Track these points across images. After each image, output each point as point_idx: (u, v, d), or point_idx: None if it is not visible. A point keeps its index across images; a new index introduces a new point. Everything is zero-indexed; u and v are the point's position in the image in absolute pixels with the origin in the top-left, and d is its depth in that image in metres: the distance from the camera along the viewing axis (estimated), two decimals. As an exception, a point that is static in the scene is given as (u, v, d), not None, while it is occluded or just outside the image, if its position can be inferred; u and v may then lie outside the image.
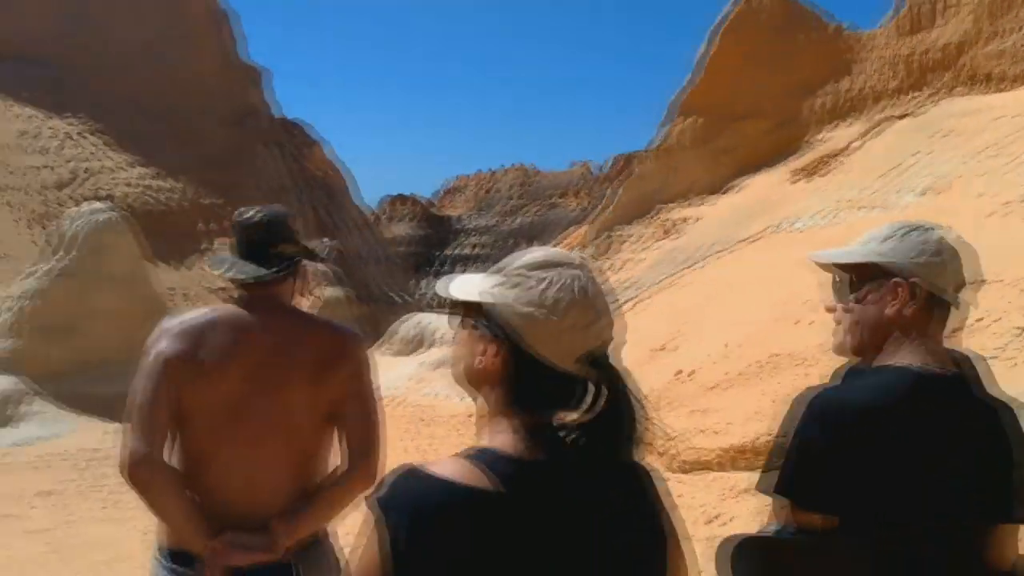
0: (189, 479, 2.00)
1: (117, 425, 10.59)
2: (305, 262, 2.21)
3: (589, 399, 1.03)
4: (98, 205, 11.39)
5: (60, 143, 26.20)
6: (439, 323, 18.01)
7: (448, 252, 71.15)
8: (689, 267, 12.90)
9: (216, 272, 2.21)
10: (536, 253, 1.11)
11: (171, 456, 2.00)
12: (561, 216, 68.29)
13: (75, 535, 7.73)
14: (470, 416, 13.65)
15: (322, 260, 2.41)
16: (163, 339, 2.02)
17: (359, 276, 32.05)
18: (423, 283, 69.67)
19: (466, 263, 70.35)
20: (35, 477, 9.09)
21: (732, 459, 7.83)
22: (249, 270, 2.10)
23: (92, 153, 26.10)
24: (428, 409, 14.51)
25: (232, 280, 2.13)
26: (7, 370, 10.18)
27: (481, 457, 1.00)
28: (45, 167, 25.75)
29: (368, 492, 1.20)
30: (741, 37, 15.75)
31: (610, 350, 1.07)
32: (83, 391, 10.76)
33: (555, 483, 1.00)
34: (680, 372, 9.60)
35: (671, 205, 15.46)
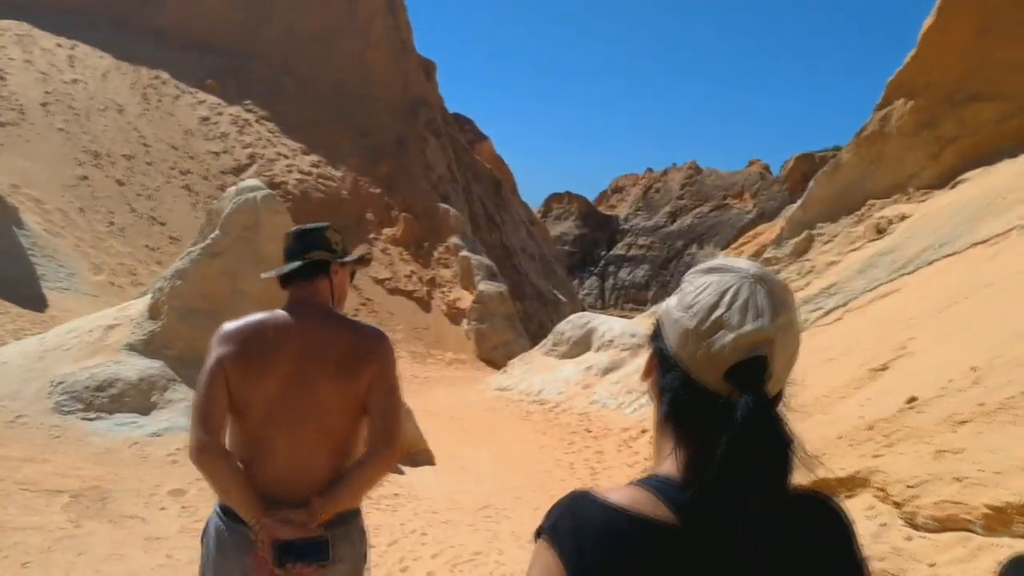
0: (244, 462, 2.39)
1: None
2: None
3: (739, 419, 0.94)
4: (254, 182, 10.61)
5: (239, 129, 26.50)
6: (609, 324, 16.49)
7: (612, 252, 69.50)
8: (909, 272, 10.76)
9: (264, 275, 2.73)
10: (713, 260, 1.07)
11: (230, 442, 2.41)
12: (734, 218, 65.24)
13: (197, 548, 6.77)
14: (644, 432, 12.13)
15: (355, 263, 2.74)
16: (219, 342, 2.49)
17: (520, 272, 30.95)
18: (585, 283, 68.40)
19: (630, 264, 68.53)
20: (170, 472, 8.23)
21: (1006, 521, 5.89)
22: (278, 270, 2.64)
23: (268, 140, 26.26)
24: (594, 419, 13.05)
25: (281, 283, 2.65)
26: (151, 353, 9.45)
27: (653, 484, 0.97)
28: (224, 152, 26.09)
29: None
30: (973, 4, 13.33)
31: (773, 369, 0.98)
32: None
33: (728, 515, 0.92)
34: (914, 400, 7.63)
35: (883, 201, 13.27)
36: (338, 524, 2.38)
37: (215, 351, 2.47)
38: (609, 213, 73.10)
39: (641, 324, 16.80)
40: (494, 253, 29.25)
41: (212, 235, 10.32)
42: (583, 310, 49.99)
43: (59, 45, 26.84)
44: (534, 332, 26.63)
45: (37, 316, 15.57)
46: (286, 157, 26.24)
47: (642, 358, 12.96)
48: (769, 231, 15.41)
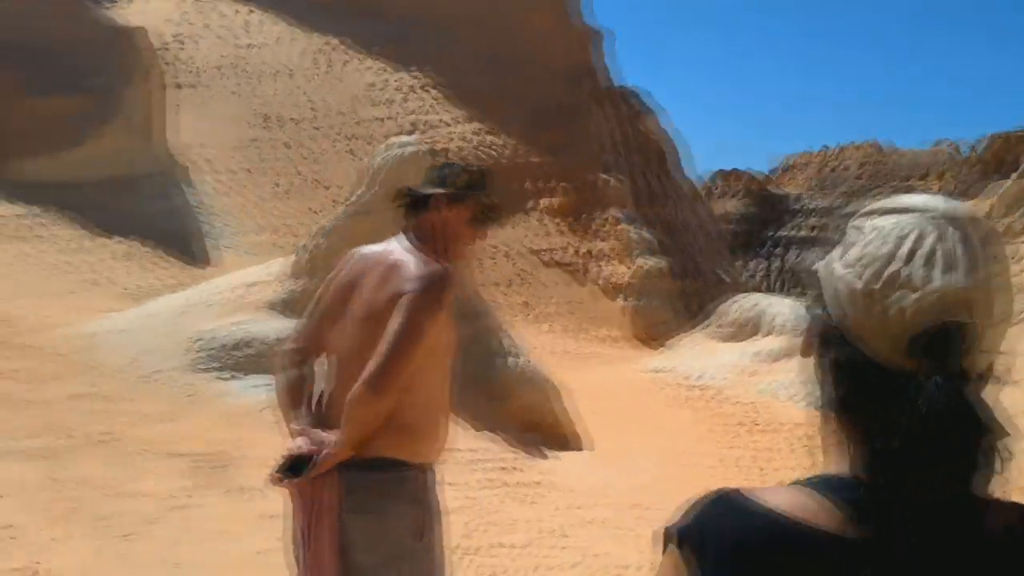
0: (317, 373, 2.44)
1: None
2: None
3: (923, 403, 0.75)
4: (406, 138, 9.96)
5: (404, 96, 26.29)
6: (780, 307, 14.96)
7: (781, 233, 66.14)
8: None
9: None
10: (889, 199, 0.86)
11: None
12: (917, 201, 60.43)
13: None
14: (809, 425, 10.69)
15: (466, 204, 2.52)
16: (342, 263, 2.59)
17: (683, 249, 29.41)
18: (751, 263, 65.44)
19: (801, 246, 65.04)
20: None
21: None
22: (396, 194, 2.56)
23: (431, 106, 25.92)
24: (760, 410, 11.71)
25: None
26: (291, 313, 8.93)
27: (819, 484, 0.81)
28: (388, 119, 25.95)
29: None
30: None
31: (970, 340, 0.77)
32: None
33: (908, 526, 0.76)
34: None
35: None
36: (369, 469, 2.27)
37: (333, 276, 2.57)
38: (779, 192, 69.49)
39: (817, 309, 15.17)
40: (656, 228, 27.85)
41: (359, 192, 9.72)
42: (748, 292, 47.40)
43: (236, 11, 27.46)
44: (694, 312, 25.14)
45: (198, 272, 15.71)
46: (448, 124, 25.82)
47: None
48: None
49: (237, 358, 8.64)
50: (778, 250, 66.14)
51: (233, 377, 8.52)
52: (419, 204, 2.47)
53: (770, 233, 68.01)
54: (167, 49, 23.75)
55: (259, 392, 8.36)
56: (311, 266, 9.38)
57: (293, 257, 9.70)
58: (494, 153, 25.17)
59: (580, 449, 9.67)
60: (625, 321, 22.02)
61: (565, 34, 28.40)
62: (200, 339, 8.88)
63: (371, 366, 2.20)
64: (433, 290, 2.32)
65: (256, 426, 7.72)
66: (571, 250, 24.21)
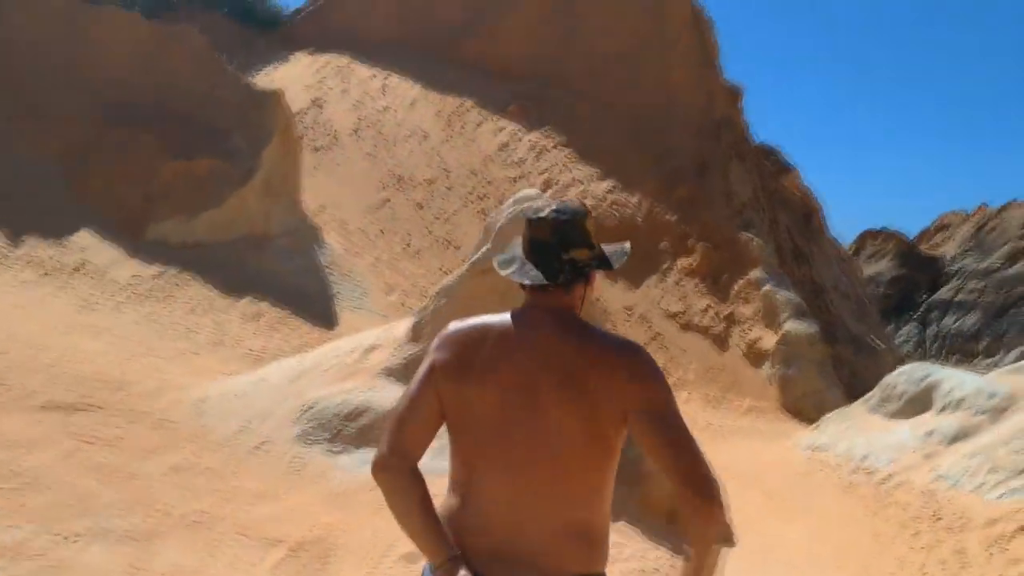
0: (454, 489, 1.98)
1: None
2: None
3: None
4: (532, 191, 9.18)
5: (536, 155, 25.81)
6: (958, 379, 13.17)
7: (936, 297, 61.99)
8: None
9: (502, 272, 2.13)
10: None
11: (450, 474, 1.99)
12: (1092, 263, 55.52)
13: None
14: (1007, 522, 8.91)
15: (611, 267, 2.14)
16: (437, 345, 2.06)
17: (832, 313, 27.37)
18: (903, 328, 61.37)
19: (957, 310, 60.70)
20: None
21: None
22: (533, 275, 2.01)
23: (563, 165, 25.30)
24: (943, 502, 10.03)
25: (521, 284, 2.06)
26: (409, 381, 8.09)
27: None
28: (520, 178, 25.47)
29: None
30: None
31: None
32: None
33: None
34: None
35: None
36: None
37: (429, 356, 2.10)
38: (932, 253, 65.33)
39: (1002, 380, 13.25)
40: (802, 290, 26.02)
41: (483, 249, 8.93)
42: (902, 360, 44.20)
43: (374, 76, 27.86)
44: (846, 381, 23.08)
45: (325, 334, 15.32)
46: (581, 183, 25.08)
47: (1007, 424, 9.61)
48: None
49: (349, 429, 7.89)
50: (933, 314, 61.87)
51: (344, 450, 7.76)
52: (572, 276, 2.06)
53: (923, 296, 63.87)
54: (305, 113, 24.18)
55: (369, 468, 7.55)
56: (432, 328, 8.59)
57: (413, 319, 8.95)
58: (628, 211, 24.20)
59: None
60: (772, 391, 20.32)
61: (702, 84, 27.37)
62: (312, 407, 8.20)
63: (680, 467, 1.82)
64: (650, 359, 1.97)
65: (364, 508, 6.89)
66: (711, 313, 22.78)
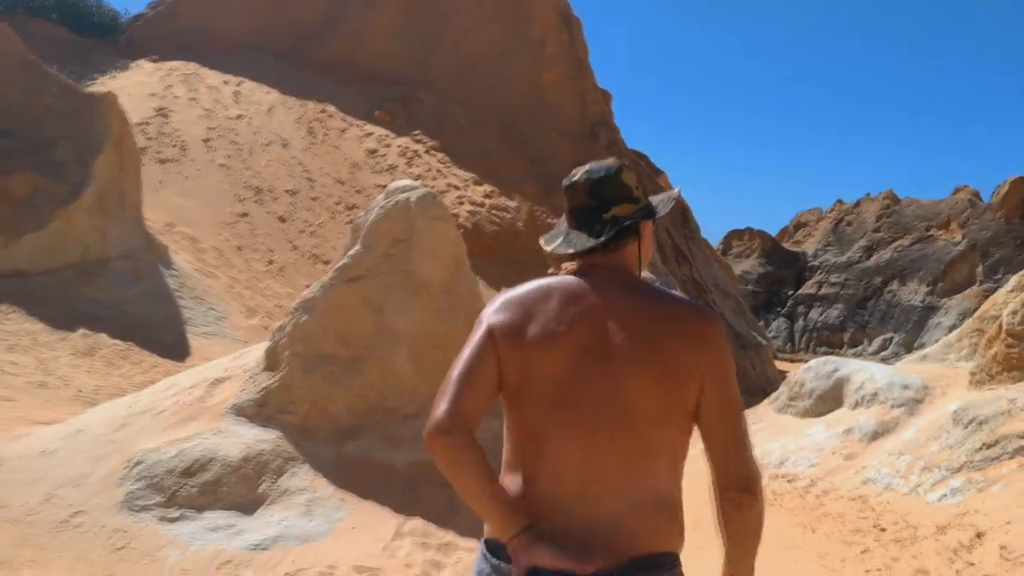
0: (515, 467, 1.78)
1: (415, 524, 6.48)
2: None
3: None
4: (407, 182, 7.67)
5: (407, 161, 24.23)
6: (868, 372, 12.41)
7: (800, 291, 63.95)
8: None
9: (547, 248, 1.99)
10: None
11: (506, 439, 1.82)
12: (939, 250, 58.60)
13: None
14: (980, 534, 7.62)
15: (654, 214, 2.00)
16: (494, 308, 1.87)
17: (715, 311, 26.89)
18: (772, 324, 62.85)
19: (822, 303, 62.75)
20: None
21: None
22: (576, 241, 1.90)
23: (438, 171, 23.82)
24: (879, 507, 9.06)
25: (556, 255, 1.92)
26: (264, 420, 6.45)
27: None
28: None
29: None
30: None
31: None
32: (376, 458, 6.88)
33: None
34: None
35: None
36: (647, 570, 1.70)
37: (486, 321, 1.85)
38: (795, 250, 67.46)
39: (911, 370, 12.59)
40: (685, 289, 25.45)
41: (351, 252, 7.33)
42: (774, 355, 44.52)
43: (225, 82, 25.65)
44: (742, 383, 22.53)
45: (175, 366, 13.24)
46: (457, 188, 23.65)
47: (926, 418, 8.52)
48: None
49: (189, 488, 6.12)
50: (800, 308, 63.72)
51: (182, 516, 6.00)
52: (622, 235, 1.91)
53: (789, 292, 65.85)
54: (149, 123, 21.80)
55: (216, 540, 5.82)
56: (291, 352, 6.92)
57: (267, 343, 7.25)
58: (508, 216, 22.92)
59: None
60: (667, 395, 19.47)
61: (575, 85, 26.47)
62: (140, 462, 6.37)
63: (728, 458, 1.78)
64: (723, 328, 1.84)
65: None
66: (599, 318, 21.83)
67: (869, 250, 63.06)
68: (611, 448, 1.75)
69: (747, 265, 66.34)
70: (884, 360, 50.36)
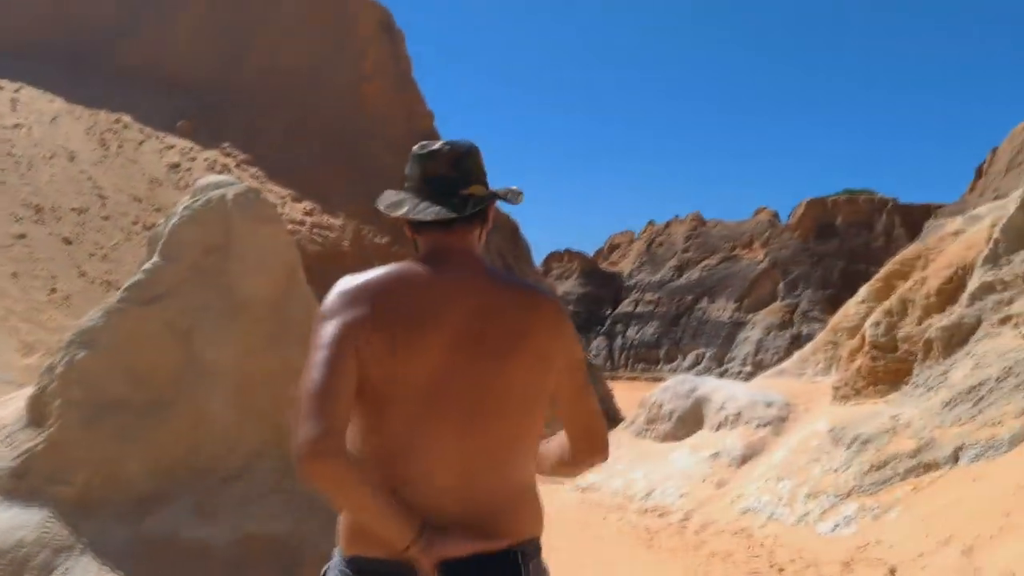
0: (381, 470, 1.63)
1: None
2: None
3: None
4: (221, 178, 6.12)
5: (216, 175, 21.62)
6: (729, 391, 11.77)
7: (618, 310, 65.56)
8: None
9: (393, 213, 1.78)
10: None
11: (360, 446, 1.63)
12: (744, 269, 61.74)
13: None
14: (890, 568, 6.60)
15: (509, 203, 1.90)
16: (341, 300, 1.64)
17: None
18: (592, 343, 63.85)
19: (638, 321, 64.55)
20: None
21: None
22: (436, 211, 1.73)
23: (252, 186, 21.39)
24: (772, 544, 8.21)
25: (413, 222, 1.76)
26: (26, 495, 4.61)
27: None
28: (198, 205, 21.19)
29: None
30: None
31: None
32: (186, 536, 5.12)
33: None
34: None
35: None
36: (530, 544, 1.70)
37: (338, 316, 1.62)
38: (612, 270, 69.26)
39: (770, 385, 12.08)
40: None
41: (147, 266, 5.60)
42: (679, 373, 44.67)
43: (0, 88, 22.35)
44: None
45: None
46: (273, 205, 21.60)
47: (796, 437, 8.14)
48: (947, 252, 10.75)
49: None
50: (618, 327, 65.23)
51: None
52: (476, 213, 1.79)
53: (607, 311, 67.42)
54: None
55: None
56: (64, 400, 5.09)
57: (32, 389, 5.37)
58: (332, 236, 21.14)
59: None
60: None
61: (400, 97, 25.12)
62: None
63: (586, 425, 1.84)
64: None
65: None
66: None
67: (680, 269, 65.52)
68: (487, 439, 1.67)
69: (567, 286, 67.24)
70: (698, 375, 52.12)
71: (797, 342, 53.87)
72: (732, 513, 9.26)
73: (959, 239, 11.14)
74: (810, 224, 59.11)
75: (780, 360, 57.45)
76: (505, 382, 1.65)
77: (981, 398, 8.03)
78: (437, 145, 1.79)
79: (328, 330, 1.60)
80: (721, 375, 53.13)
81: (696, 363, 56.95)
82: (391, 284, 1.66)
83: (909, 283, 10.57)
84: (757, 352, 57.41)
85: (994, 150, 37.77)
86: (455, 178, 1.74)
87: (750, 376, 52.92)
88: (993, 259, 9.47)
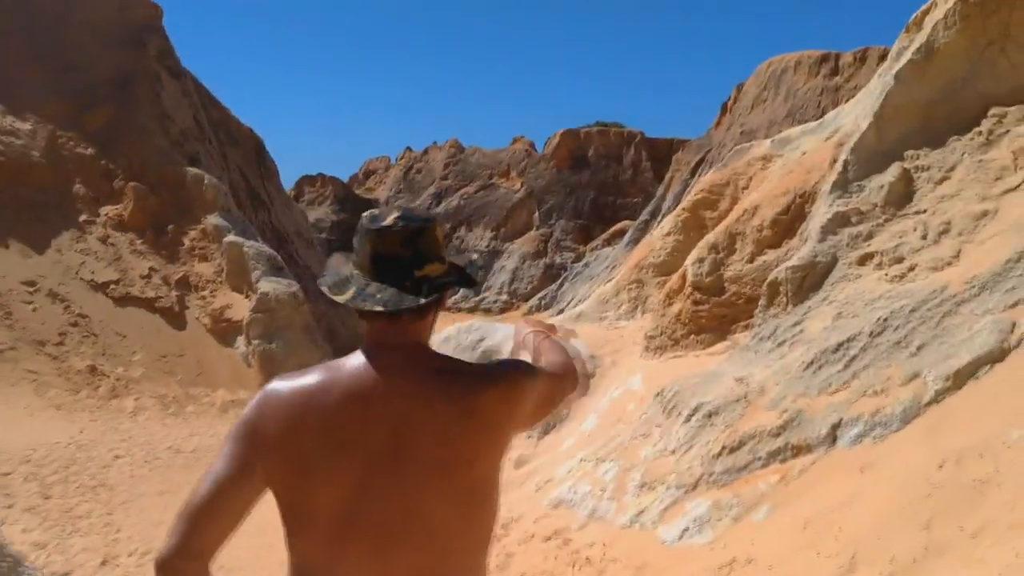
0: None
1: None
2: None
3: None
4: None
5: None
6: (501, 332, 9.56)
7: (376, 238, 62.36)
8: None
9: (338, 298, 1.59)
10: None
11: (289, 557, 1.51)
12: (501, 197, 61.05)
13: None
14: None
15: (474, 284, 1.70)
16: (259, 410, 1.51)
17: (300, 264, 23.08)
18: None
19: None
20: None
21: None
22: (387, 298, 1.54)
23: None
24: (591, 553, 6.12)
25: (361, 312, 1.56)
26: None
27: None
28: None
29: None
30: None
31: None
32: None
33: None
34: None
35: (1017, 109, 7.56)
36: None
37: (246, 430, 1.49)
38: (368, 196, 66.03)
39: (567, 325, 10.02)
40: (263, 237, 21.10)
41: None
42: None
43: None
44: (329, 341, 18.93)
45: None
46: (-66, 101, 16.56)
47: (606, 398, 6.56)
48: (786, 174, 9.09)
49: None
50: (375, 256, 62.47)
51: None
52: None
53: (364, 239, 64.25)
54: None
55: None
56: None
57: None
58: (18, 143, 16.48)
59: None
60: (252, 374, 15.10)
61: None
62: None
63: (558, 368, 1.75)
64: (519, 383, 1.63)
65: None
66: (157, 278, 16.52)
67: (439, 197, 63.48)
68: (406, 569, 1.48)
69: (320, 212, 63.07)
70: (460, 309, 50.74)
71: (550, 271, 54.03)
72: (539, 506, 7.09)
73: (782, 163, 9.51)
74: (565, 155, 59.09)
75: (534, 290, 57.17)
76: (430, 506, 1.47)
77: (853, 358, 6.32)
78: (388, 220, 1.58)
79: (231, 445, 1.48)
80: (477, 303, 52.34)
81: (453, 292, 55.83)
82: (312, 391, 1.48)
83: (737, 213, 8.80)
84: (512, 281, 57.03)
85: (739, 86, 38.56)
86: (408, 259, 1.55)
87: (506, 305, 52.48)
88: (842, 185, 7.84)
